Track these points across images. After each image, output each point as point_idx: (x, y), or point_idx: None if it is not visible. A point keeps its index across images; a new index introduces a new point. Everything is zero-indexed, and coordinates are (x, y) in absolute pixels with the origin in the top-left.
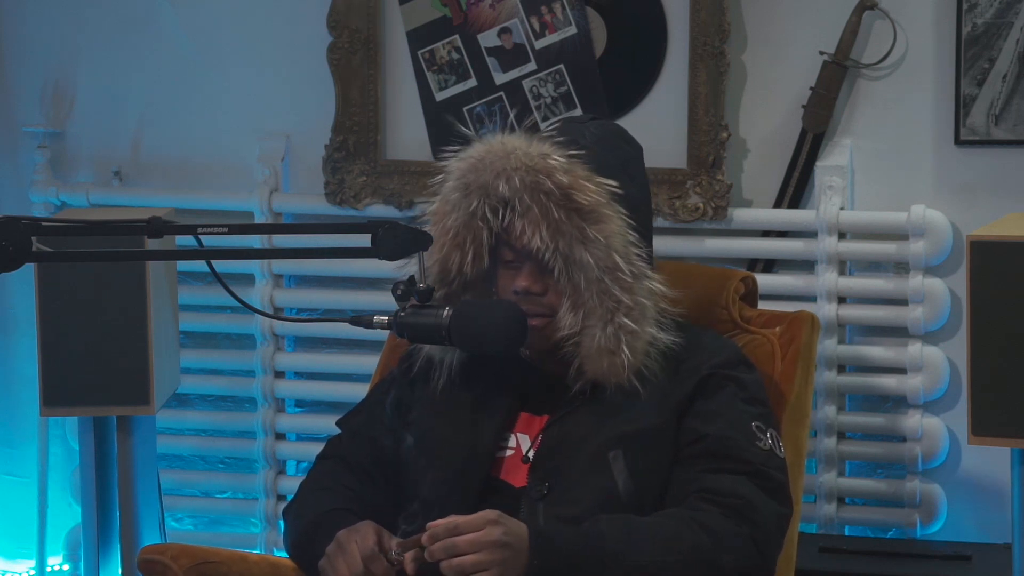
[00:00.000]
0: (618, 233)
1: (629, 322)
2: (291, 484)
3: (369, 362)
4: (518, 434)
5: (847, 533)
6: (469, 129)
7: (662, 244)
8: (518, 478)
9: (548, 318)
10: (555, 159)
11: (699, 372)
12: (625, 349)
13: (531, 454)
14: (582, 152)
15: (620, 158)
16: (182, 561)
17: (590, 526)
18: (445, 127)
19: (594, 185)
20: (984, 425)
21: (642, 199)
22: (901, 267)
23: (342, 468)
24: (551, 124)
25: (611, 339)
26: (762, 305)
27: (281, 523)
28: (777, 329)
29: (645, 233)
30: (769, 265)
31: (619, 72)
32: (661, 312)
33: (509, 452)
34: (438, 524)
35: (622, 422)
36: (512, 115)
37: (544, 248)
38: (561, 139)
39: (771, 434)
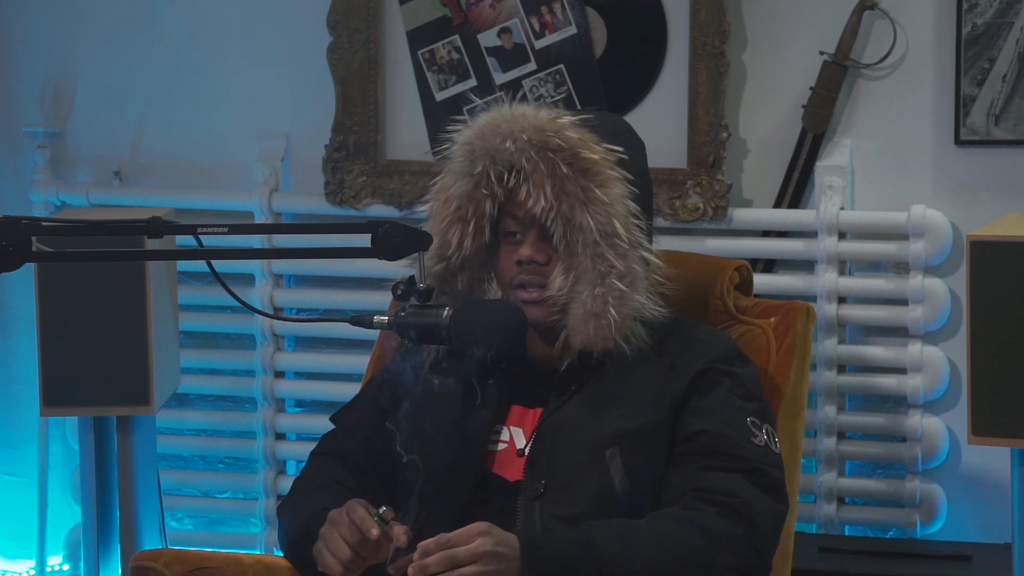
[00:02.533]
0: (620, 199)
1: (620, 285)
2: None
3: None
4: (511, 427)
5: (847, 533)
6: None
7: (662, 244)
8: (512, 472)
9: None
10: (565, 118)
11: (694, 368)
12: (612, 311)
13: (527, 449)
14: (590, 118)
15: (624, 137)
16: (175, 568)
17: (582, 532)
18: (443, 120)
19: (601, 148)
20: (984, 425)
21: (645, 180)
22: (901, 267)
23: (336, 464)
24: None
25: (598, 301)
26: None
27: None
28: (772, 320)
29: (646, 207)
30: (769, 265)
31: (619, 72)
32: (653, 284)
33: (502, 446)
34: (429, 542)
35: (618, 417)
36: None
37: (548, 208)
38: (568, 112)
39: (767, 430)
